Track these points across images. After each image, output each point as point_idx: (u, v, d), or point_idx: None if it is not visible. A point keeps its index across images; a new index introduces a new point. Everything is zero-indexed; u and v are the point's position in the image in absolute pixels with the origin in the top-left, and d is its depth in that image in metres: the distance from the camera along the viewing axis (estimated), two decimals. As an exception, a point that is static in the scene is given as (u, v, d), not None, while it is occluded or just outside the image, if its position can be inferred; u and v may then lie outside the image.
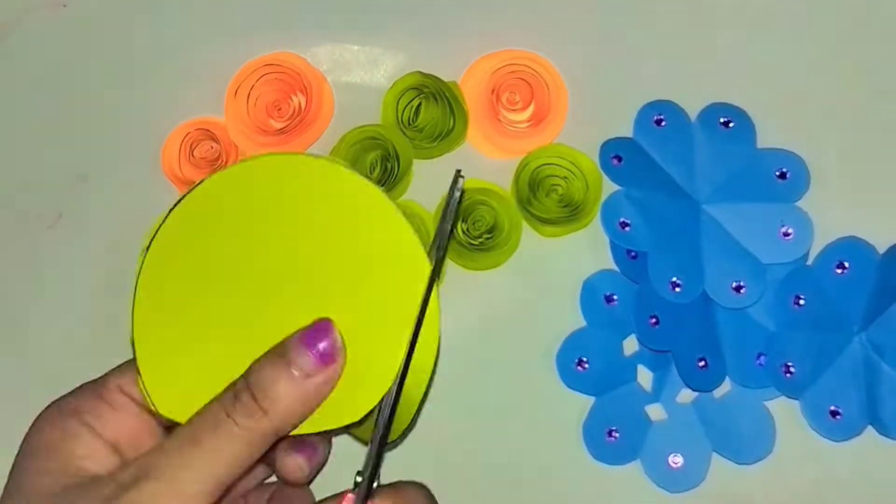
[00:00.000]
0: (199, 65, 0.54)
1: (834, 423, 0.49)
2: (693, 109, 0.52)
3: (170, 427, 0.43)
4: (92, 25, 0.55)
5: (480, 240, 0.51)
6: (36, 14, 0.55)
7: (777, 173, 0.50)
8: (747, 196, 0.50)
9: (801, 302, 0.50)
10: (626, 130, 0.52)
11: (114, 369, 0.44)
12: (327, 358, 0.40)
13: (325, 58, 0.54)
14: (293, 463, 0.43)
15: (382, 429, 0.40)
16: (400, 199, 0.52)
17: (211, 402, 0.40)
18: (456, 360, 0.50)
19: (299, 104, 0.53)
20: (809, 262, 0.50)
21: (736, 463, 0.50)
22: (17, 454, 0.42)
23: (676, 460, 0.50)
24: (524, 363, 0.51)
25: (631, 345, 0.51)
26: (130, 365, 0.43)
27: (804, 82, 0.53)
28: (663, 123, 0.52)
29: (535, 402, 0.51)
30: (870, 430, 0.49)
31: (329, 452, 0.46)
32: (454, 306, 0.50)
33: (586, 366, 0.50)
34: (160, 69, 0.55)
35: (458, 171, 0.44)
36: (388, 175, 0.51)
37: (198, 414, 0.40)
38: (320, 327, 0.40)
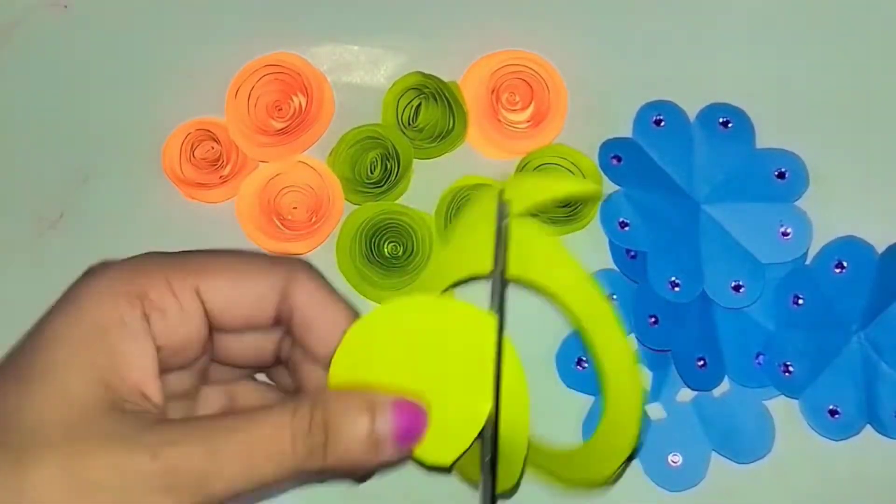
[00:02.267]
0: (199, 65, 0.54)
1: (833, 422, 0.49)
2: (692, 109, 0.52)
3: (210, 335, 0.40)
4: (93, 26, 0.55)
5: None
6: (37, 15, 0.55)
7: (776, 173, 0.50)
8: (746, 196, 0.50)
9: (800, 301, 0.50)
10: (626, 130, 0.52)
11: (194, 263, 0.39)
12: (403, 438, 0.38)
13: (326, 58, 0.54)
14: None
15: (490, 491, 0.39)
16: (398, 200, 0.52)
17: (280, 415, 0.37)
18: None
19: (300, 104, 0.53)
20: (808, 261, 0.50)
21: (735, 462, 0.50)
22: (54, 312, 0.37)
23: (675, 459, 0.50)
24: (523, 363, 0.51)
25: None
26: (214, 269, 0.39)
27: (803, 82, 0.53)
28: (662, 123, 0.52)
29: (534, 402, 0.51)
30: (868, 429, 0.49)
31: None
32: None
33: (586, 365, 0.50)
34: (161, 70, 0.55)
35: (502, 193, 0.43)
36: (388, 174, 0.51)
37: (262, 425, 0.36)
38: (416, 407, 0.38)
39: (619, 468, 0.42)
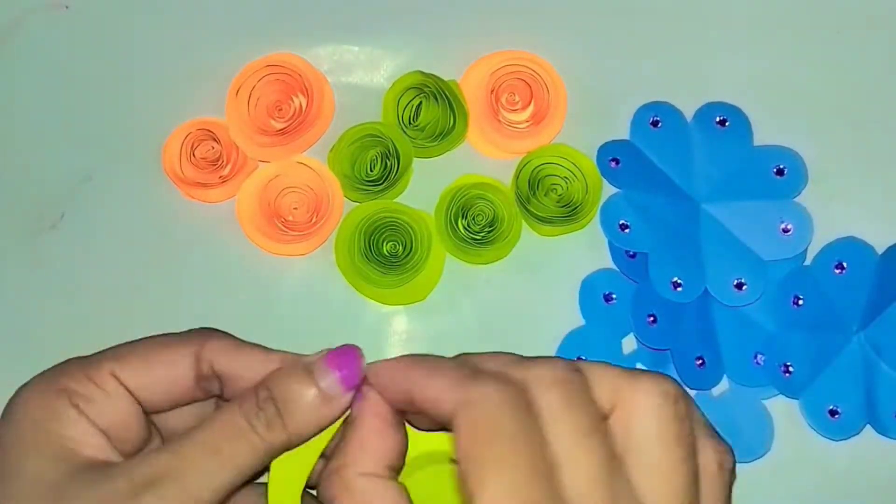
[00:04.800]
0: (200, 65, 0.54)
1: (833, 423, 0.49)
2: (689, 109, 0.52)
3: (151, 413, 0.42)
4: (94, 27, 0.55)
5: (482, 234, 0.51)
6: (38, 15, 0.55)
7: (774, 170, 0.50)
8: (746, 194, 0.50)
9: (800, 302, 0.50)
10: (626, 131, 0.52)
11: (107, 352, 0.41)
12: (350, 384, 0.39)
13: (326, 58, 0.54)
14: None
15: None
16: (397, 199, 0.53)
17: (230, 408, 0.39)
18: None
19: (300, 105, 0.53)
20: (808, 262, 0.50)
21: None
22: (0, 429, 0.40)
23: (675, 459, 0.49)
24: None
25: (629, 343, 0.51)
26: (126, 351, 0.41)
27: (800, 81, 0.53)
28: (659, 125, 0.52)
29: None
30: (868, 430, 0.49)
31: None
32: (453, 304, 0.50)
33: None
34: (162, 70, 0.55)
35: None
36: (388, 173, 0.51)
37: (216, 420, 0.39)
38: (348, 352, 0.40)
39: None
